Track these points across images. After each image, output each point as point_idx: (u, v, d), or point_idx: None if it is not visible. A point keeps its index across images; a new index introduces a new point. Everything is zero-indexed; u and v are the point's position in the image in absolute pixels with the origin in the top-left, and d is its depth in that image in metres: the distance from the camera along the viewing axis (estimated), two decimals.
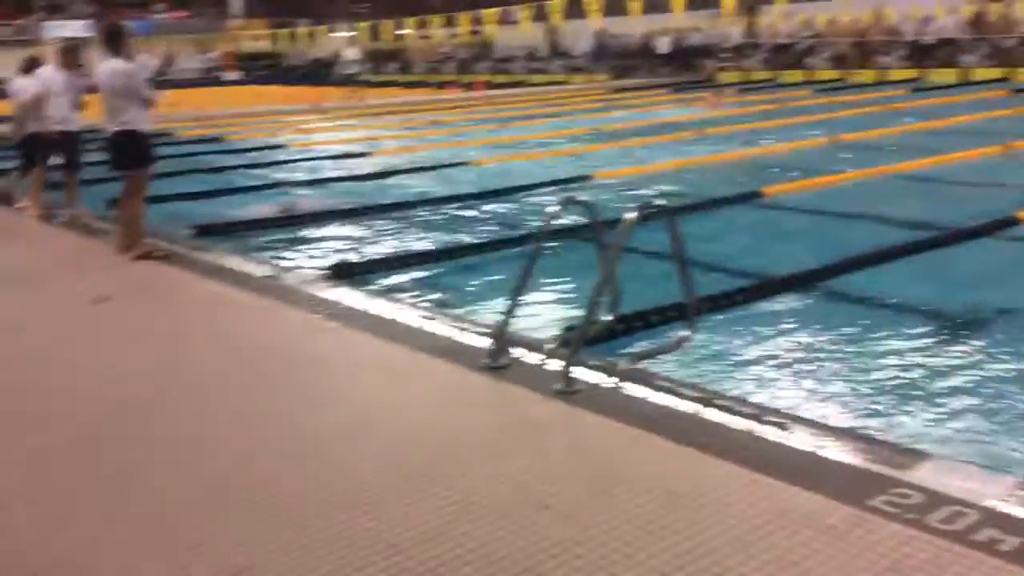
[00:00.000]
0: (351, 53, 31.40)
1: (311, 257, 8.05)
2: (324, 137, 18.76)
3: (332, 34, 41.20)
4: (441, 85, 35.21)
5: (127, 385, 4.51)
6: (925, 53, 26.79)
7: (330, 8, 45.22)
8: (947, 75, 25.34)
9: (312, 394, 4.28)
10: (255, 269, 6.85)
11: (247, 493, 3.30)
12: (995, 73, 24.83)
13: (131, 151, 7.25)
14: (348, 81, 29.32)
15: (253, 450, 3.67)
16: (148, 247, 7.34)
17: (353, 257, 7.84)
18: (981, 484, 3.15)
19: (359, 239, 8.87)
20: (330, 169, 13.74)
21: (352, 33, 39.74)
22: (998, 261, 7.25)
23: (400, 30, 40.08)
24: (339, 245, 8.63)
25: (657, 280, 5.93)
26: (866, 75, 26.84)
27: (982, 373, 4.87)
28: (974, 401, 4.53)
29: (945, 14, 26.81)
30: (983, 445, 4.02)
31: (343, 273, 6.90)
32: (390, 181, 12.42)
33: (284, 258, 7.91)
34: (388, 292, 6.55)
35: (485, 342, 4.68)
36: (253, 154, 15.87)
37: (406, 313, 5.56)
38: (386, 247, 8.44)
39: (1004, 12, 26.39)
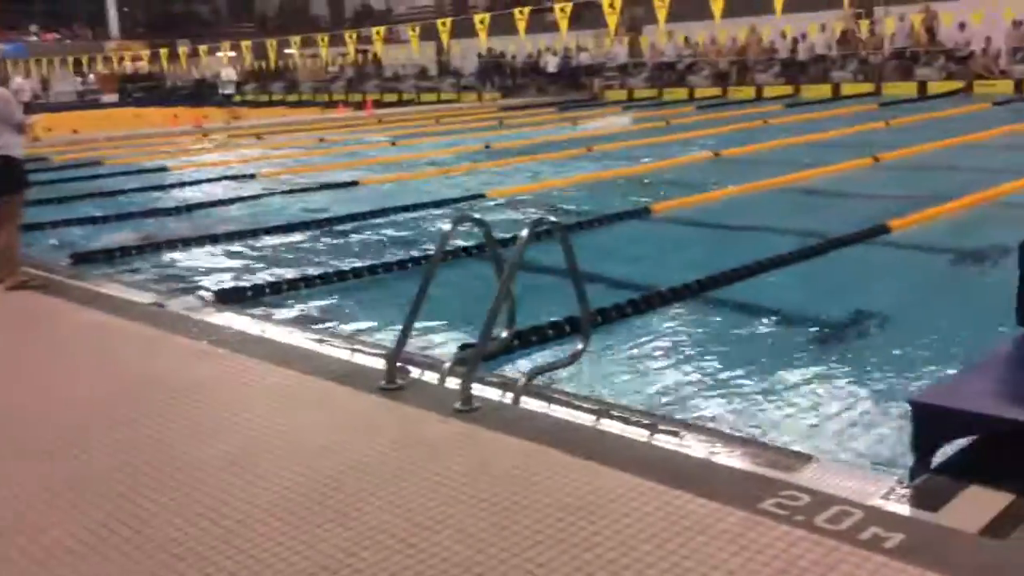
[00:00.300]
0: (227, 73, 30.88)
1: (196, 282, 7.82)
2: (208, 159, 18.33)
3: (217, 54, 40.34)
4: (329, 104, 34.88)
5: None
6: (799, 70, 27.94)
7: (211, 28, 44.30)
8: (820, 91, 26.46)
9: (202, 423, 4.15)
10: (138, 296, 6.62)
11: (131, 534, 3.15)
12: (865, 87, 26.05)
13: (3, 177, 6.94)
14: (226, 102, 28.91)
15: (138, 487, 3.51)
16: (23, 277, 7.03)
17: (240, 281, 7.66)
18: (864, 483, 3.28)
19: (245, 262, 8.67)
20: (214, 192, 13.42)
21: (232, 53, 38.98)
22: (871, 267, 7.60)
23: (286, 49, 39.51)
24: (225, 269, 8.42)
25: (551, 295, 5.99)
26: (745, 92, 27.79)
27: (857, 375, 5.08)
28: (853, 402, 4.71)
29: (817, 31, 28.03)
30: (865, 445, 4.19)
31: (230, 298, 6.74)
32: (277, 202, 12.21)
33: (168, 284, 7.66)
34: (278, 316, 6.42)
35: (381, 363, 4.62)
36: (133, 178, 15.38)
37: (297, 336, 5.46)
38: (274, 270, 8.26)
39: (871, 29, 27.78)
